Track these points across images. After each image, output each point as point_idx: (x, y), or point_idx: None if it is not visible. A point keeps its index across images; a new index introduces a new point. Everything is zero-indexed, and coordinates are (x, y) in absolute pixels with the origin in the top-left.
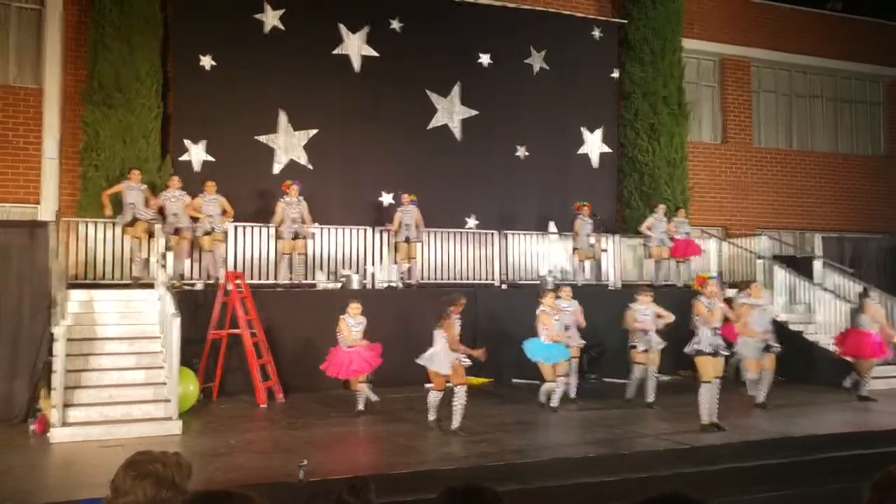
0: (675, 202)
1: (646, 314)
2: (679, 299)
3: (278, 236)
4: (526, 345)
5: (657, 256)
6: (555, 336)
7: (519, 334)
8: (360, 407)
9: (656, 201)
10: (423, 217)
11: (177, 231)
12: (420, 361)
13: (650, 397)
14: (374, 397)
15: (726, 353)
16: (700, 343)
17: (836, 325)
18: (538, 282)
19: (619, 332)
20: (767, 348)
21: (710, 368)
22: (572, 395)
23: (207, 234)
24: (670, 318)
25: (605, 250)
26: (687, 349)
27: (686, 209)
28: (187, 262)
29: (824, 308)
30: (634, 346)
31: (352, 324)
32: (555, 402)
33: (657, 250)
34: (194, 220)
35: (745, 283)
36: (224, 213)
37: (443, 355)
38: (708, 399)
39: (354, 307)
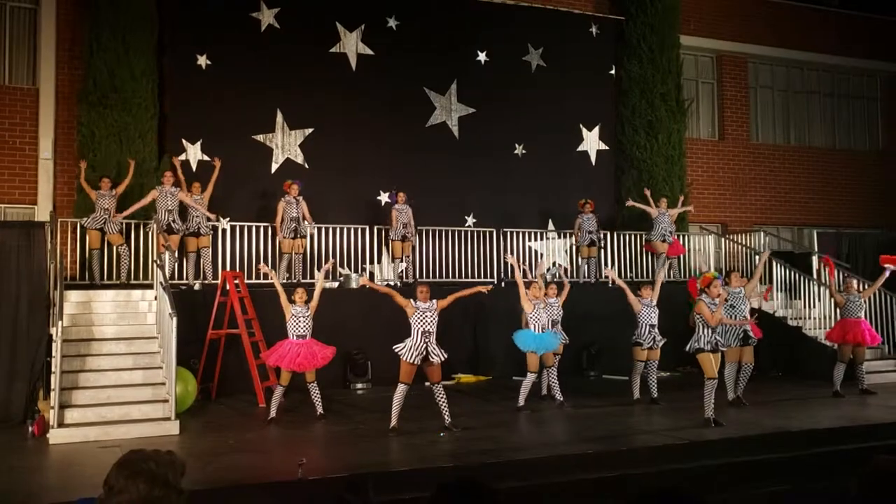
0: (674, 198)
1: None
2: (680, 296)
3: (278, 236)
4: (517, 336)
5: (658, 251)
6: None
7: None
8: (273, 413)
9: (658, 196)
10: (420, 215)
11: (169, 228)
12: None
13: (654, 393)
14: (271, 410)
15: (724, 349)
16: (700, 341)
17: (833, 320)
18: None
19: (618, 328)
20: (746, 340)
21: (711, 365)
22: (558, 397)
23: (193, 235)
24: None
25: (604, 247)
26: (688, 347)
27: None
28: (184, 261)
29: (822, 303)
30: (639, 344)
31: (298, 311)
32: (521, 401)
33: (661, 245)
34: (183, 219)
35: (727, 273)
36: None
37: (411, 343)
38: (712, 396)
39: (300, 293)
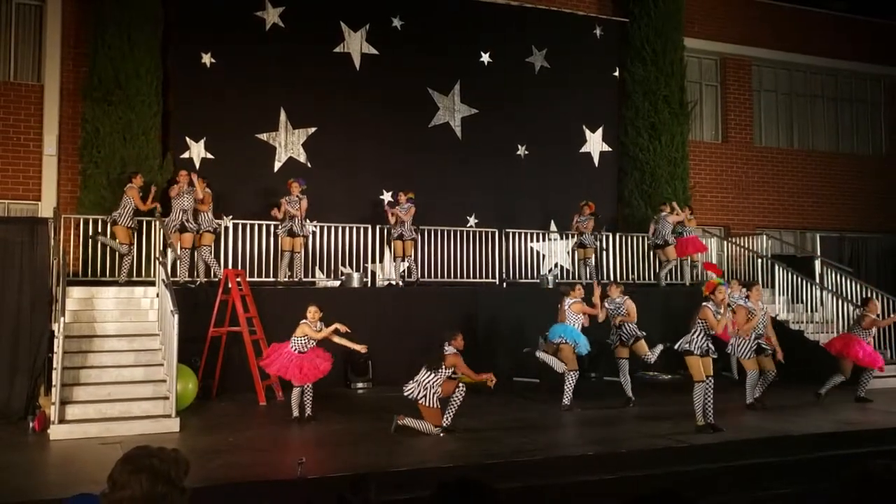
0: (676, 201)
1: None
2: (685, 298)
3: (280, 233)
4: (567, 329)
5: (669, 256)
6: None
7: (519, 333)
8: (296, 413)
9: (660, 201)
10: (422, 215)
11: (183, 227)
12: (409, 396)
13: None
14: (293, 410)
15: (715, 356)
16: (691, 343)
17: (835, 324)
18: (538, 281)
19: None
20: (760, 350)
21: (699, 368)
22: (566, 401)
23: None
24: (594, 311)
25: (605, 249)
26: (677, 346)
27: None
28: (187, 259)
29: (824, 307)
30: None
31: (308, 334)
32: (567, 400)
33: (670, 251)
34: (195, 218)
35: (748, 285)
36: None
37: (431, 390)
38: (701, 399)
39: (312, 312)
